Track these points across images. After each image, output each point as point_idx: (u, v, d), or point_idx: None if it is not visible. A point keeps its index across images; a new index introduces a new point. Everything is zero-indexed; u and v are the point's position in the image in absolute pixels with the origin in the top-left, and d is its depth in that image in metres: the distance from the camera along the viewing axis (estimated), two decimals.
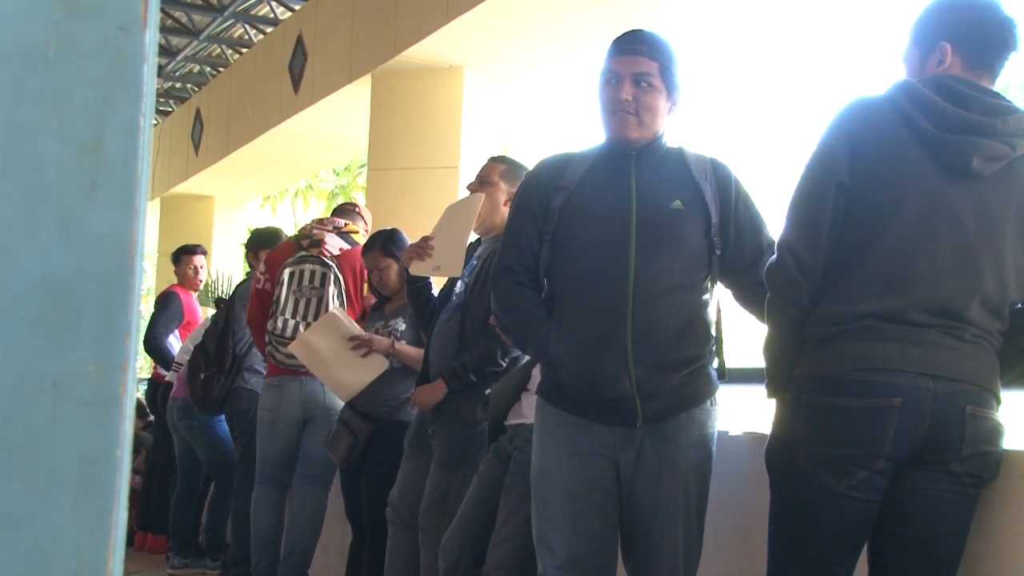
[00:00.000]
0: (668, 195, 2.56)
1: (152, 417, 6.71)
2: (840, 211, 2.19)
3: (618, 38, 2.64)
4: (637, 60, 2.55)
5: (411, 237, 4.24)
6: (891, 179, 2.18)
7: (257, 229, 5.99)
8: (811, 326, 2.22)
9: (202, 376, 5.25)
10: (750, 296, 2.58)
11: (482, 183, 3.55)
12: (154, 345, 6.31)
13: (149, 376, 6.77)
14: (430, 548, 3.46)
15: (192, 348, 5.89)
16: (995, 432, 2.17)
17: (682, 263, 2.54)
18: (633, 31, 2.65)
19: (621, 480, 2.53)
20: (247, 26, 11.65)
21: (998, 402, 2.19)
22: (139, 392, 6.98)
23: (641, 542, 2.55)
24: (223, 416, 5.70)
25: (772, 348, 2.31)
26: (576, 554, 2.51)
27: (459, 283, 3.62)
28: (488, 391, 3.32)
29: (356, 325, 4.22)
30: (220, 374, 5.21)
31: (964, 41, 2.23)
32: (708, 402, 2.59)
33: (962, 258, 2.15)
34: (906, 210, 2.16)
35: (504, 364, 3.45)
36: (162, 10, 9.68)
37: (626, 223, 2.52)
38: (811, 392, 2.20)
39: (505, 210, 3.58)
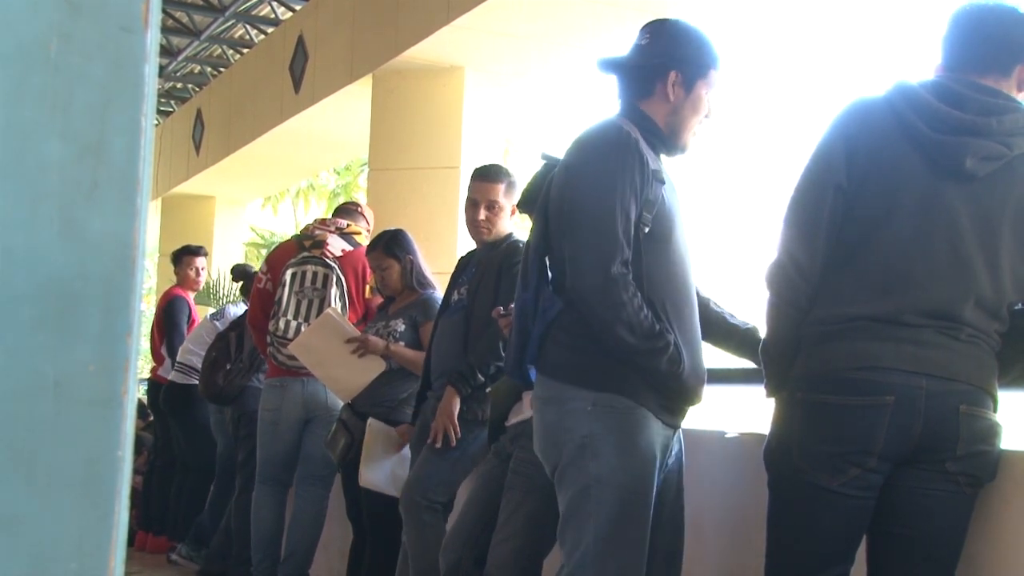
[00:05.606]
0: None
1: (152, 417, 6.70)
2: (838, 214, 2.19)
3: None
4: None
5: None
6: (886, 182, 2.18)
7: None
8: (808, 326, 2.23)
9: (228, 367, 5.22)
10: None
11: (489, 208, 3.57)
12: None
13: (148, 376, 6.76)
14: (411, 524, 3.55)
15: (192, 346, 5.88)
16: (991, 432, 2.17)
17: None
18: None
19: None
20: (248, 26, 11.66)
21: (994, 402, 2.18)
22: (140, 392, 6.96)
23: (664, 551, 2.50)
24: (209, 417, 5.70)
25: (771, 348, 2.32)
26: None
27: (456, 291, 3.63)
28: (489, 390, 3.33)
29: (351, 326, 4.23)
30: (248, 369, 5.19)
31: (944, 41, 2.24)
32: None
33: (957, 260, 2.15)
34: (901, 213, 2.16)
35: None
36: (163, 10, 9.68)
37: (690, 227, 2.51)
38: (806, 390, 2.21)
39: (511, 221, 3.60)
